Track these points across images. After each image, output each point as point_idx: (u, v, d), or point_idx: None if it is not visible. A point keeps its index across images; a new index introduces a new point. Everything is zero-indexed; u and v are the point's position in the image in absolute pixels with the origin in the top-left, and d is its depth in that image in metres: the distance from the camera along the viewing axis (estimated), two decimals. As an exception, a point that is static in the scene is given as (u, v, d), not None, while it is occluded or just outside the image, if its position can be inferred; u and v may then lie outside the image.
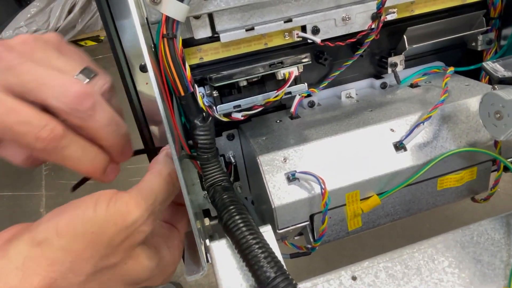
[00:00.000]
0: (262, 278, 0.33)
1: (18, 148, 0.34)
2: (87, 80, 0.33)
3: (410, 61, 0.57)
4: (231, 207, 0.38)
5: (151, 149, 0.47)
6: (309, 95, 0.53)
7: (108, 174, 0.37)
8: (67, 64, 0.33)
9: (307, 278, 0.39)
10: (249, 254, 0.34)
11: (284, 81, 0.44)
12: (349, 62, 0.51)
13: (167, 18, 0.36)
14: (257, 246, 0.35)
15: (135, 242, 0.32)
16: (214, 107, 0.44)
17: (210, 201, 0.41)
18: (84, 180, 0.40)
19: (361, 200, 0.44)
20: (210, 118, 0.40)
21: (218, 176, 0.41)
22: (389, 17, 0.48)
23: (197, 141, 0.40)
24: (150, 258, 0.34)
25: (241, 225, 0.36)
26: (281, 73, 0.43)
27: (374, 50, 0.54)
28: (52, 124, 0.31)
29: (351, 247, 1.25)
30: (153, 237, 0.36)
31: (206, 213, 0.55)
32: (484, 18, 0.54)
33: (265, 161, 0.43)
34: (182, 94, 0.38)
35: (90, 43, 2.71)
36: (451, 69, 0.52)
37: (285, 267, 0.34)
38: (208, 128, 0.40)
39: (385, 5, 0.45)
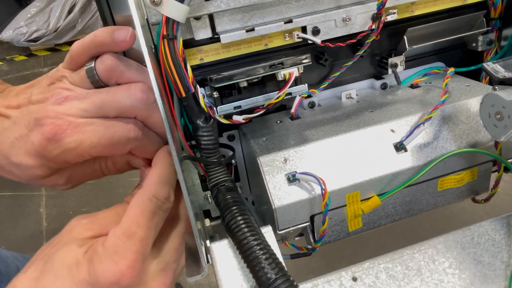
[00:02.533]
0: (263, 279, 0.33)
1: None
2: (92, 64, 0.38)
3: (411, 62, 0.57)
4: (234, 207, 0.38)
5: None
6: (309, 96, 0.53)
7: None
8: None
9: (307, 277, 0.39)
10: (250, 255, 0.35)
11: (284, 81, 0.44)
12: (350, 63, 0.51)
13: (167, 19, 0.36)
14: (258, 247, 0.35)
15: None
16: (214, 108, 0.44)
17: (214, 201, 0.41)
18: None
19: (361, 200, 0.44)
20: (213, 119, 0.40)
21: (222, 176, 0.41)
22: (390, 18, 0.48)
23: (200, 142, 0.40)
24: None
25: (243, 225, 0.36)
26: (282, 74, 0.43)
27: (375, 51, 0.54)
28: (131, 123, 0.38)
29: (351, 247, 1.25)
30: None
31: (207, 213, 0.55)
32: (484, 19, 0.54)
33: (265, 161, 0.43)
34: (183, 95, 0.38)
35: (90, 43, 2.69)
36: (452, 69, 0.52)
37: (286, 268, 0.34)
38: (211, 129, 0.40)
39: (386, 6, 0.45)
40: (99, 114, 0.38)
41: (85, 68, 0.38)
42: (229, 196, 0.39)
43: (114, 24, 0.43)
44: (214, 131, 0.40)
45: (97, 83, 0.39)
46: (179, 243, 0.39)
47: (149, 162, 0.43)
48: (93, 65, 0.38)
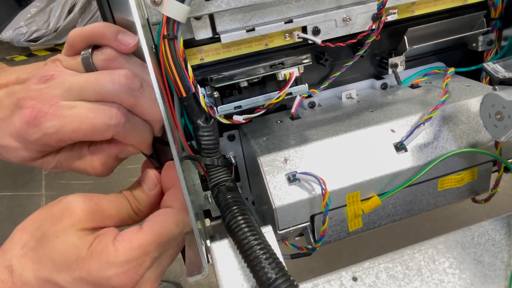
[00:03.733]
0: (264, 279, 0.33)
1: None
2: (89, 52, 0.38)
3: (411, 62, 0.57)
4: (234, 207, 0.38)
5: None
6: (309, 96, 0.53)
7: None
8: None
9: (307, 277, 0.39)
10: (251, 255, 0.35)
11: (284, 81, 0.44)
12: (350, 63, 0.51)
13: (168, 19, 0.36)
14: (258, 247, 0.35)
15: None
16: (215, 108, 0.44)
17: (214, 201, 0.41)
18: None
19: (361, 200, 0.44)
20: (213, 119, 0.40)
21: (223, 176, 0.41)
22: (390, 18, 0.48)
23: (200, 142, 0.40)
24: None
25: (243, 225, 0.36)
26: (282, 74, 0.43)
27: (375, 51, 0.54)
28: (114, 108, 0.37)
29: (351, 246, 1.25)
30: None
31: (207, 213, 0.55)
32: (484, 19, 0.54)
33: (265, 161, 0.43)
34: (184, 95, 0.38)
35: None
36: (452, 69, 0.52)
37: (286, 268, 0.34)
38: (211, 129, 0.40)
39: (386, 6, 0.45)
40: (81, 97, 0.37)
41: (82, 55, 0.38)
42: (229, 196, 0.39)
43: (115, 24, 0.43)
44: (214, 131, 0.40)
45: (91, 71, 0.38)
46: (176, 252, 0.39)
47: (135, 149, 0.42)
48: (89, 53, 0.38)
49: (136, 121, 0.40)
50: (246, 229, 0.36)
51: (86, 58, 0.38)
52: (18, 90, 0.37)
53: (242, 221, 0.36)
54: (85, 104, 0.37)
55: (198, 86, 0.39)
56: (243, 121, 0.45)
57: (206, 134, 0.39)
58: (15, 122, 0.36)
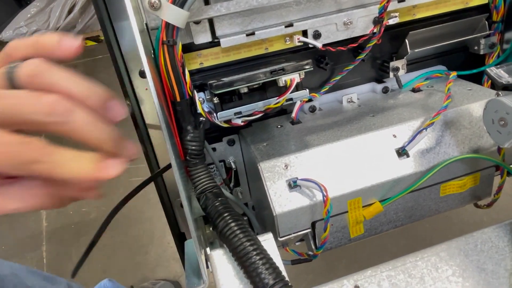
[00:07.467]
0: (261, 285, 0.33)
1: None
2: (16, 64, 0.31)
3: (412, 65, 0.56)
4: (226, 214, 0.37)
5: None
6: (310, 100, 0.53)
7: (106, 170, 0.33)
8: None
9: (307, 278, 0.38)
10: (247, 261, 0.34)
11: (285, 87, 0.43)
12: (351, 67, 0.50)
13: (167, 24, 0.36)
14: (255, 252, 0.34)
15: None
16: (214, 114, 0.44)
17: (202, 208, 0.40)
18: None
19: (363, 207, 0.44)
20: (201, 125, 0.40)
21: (207, 182, 0.40)
22: (391, 21, 0.47)
23: (187, 147, 0.39)
24: None
25: (238, 231, 0.36)
26: (283, 80, 0.43)
27: (376, 55, 0.54)
28: (32, 138, 0.30)
29: (351, 247, 1.24)
30: None
31: (207, 219, 0.54)
32: (486, 22, 0.53)
33: (266, 167, 0.43)
34: (178, 100, 0.38)
35: (90, 43, 2.70)
36: (454, 74, 0.51)
37: (284, 273, 0.34)
38: (199, 135, 0.39)
39: (387, 10, 0.45)
40: None
41: (6, 68, 0.32)
42: (218, 203, 0.38)
43: (113, 28, 0.42)
44: (201, 137, 0.40)
45: (15, 86, 0.32)
46: None
47: None
48: (15, 66, 0.32)
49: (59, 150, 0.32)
50: (241, 235, 0.35)
51: (11, 68, 0.32)
52: None
53: (236, 227, 0.36)
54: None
55: (195, 92, 0.39)
56: (242, 123, 0.44)
57: (194, 140, 0.39)
58: None
